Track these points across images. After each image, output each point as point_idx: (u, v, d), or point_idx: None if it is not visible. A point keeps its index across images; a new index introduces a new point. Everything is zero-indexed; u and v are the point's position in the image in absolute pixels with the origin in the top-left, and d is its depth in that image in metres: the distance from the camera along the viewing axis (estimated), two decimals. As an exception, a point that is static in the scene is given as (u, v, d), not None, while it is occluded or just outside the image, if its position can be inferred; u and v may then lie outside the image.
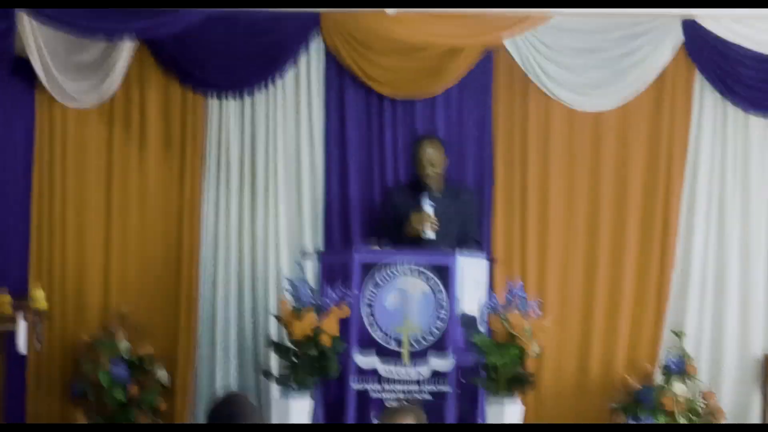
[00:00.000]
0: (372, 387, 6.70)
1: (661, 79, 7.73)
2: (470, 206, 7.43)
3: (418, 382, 6.69)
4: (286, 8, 7.49)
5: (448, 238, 7.17)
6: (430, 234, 7.09)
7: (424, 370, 6.70)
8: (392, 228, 7.24)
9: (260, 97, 7.79)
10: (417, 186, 7.31)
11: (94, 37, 7.43)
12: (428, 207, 7.11)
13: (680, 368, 7.38)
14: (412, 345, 6.71)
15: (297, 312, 6.65)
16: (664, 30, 7.64)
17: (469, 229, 7.34)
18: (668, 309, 7.69)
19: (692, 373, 7.41)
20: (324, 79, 7.80)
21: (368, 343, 6.72)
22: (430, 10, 7.46)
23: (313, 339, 6.61)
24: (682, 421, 7.21)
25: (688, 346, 7.55)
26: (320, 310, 6.64)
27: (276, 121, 7.79)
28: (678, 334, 7.54)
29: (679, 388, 7.29)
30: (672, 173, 7.73)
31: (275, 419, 6.87)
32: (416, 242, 7.09)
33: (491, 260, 7.20)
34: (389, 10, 7.51)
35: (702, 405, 7.34)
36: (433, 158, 7.29)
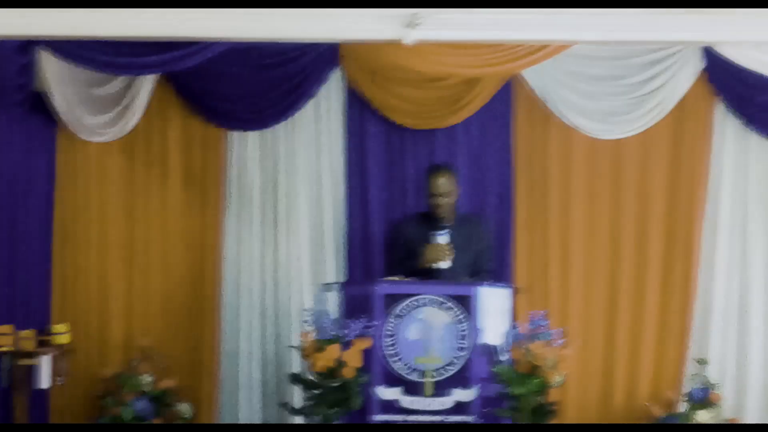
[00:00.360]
0: (394, 418, 6.68)
1: (681, 106, 7.72)
2: (483, 236, 7.38)
3: (440, 413, 6.67)
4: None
5: (461, 268, 7.13)
6: (445, 264, 7.07)
7: (446, 401, 6.68)
8: (403, 259, 7.20)
9: (280, 128, 7.80)
10: (427, 216, 7.28)
11: (114, 72, 7.46)
12: (443, 238, 7.09)
13: (704, 397, 7.35)
14: (434, 376, 6.69)
15: (319, 344, 6.64)
16: (684, 56, 7.62)
17: (482, 259, 7.30)
18: (691, 337, 7.67)
19: (716, 402, 7.37)
20: (344, 110, 7.82)
21: (390, 375, 6.70)
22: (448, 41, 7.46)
23: (335, 371, 6.59)
24: (707, 450, 7.19)
25: (712, 374, 7.52)
26: (342, 341, 6.63)
27: (296, 153, 7.82)
28: (701, 362, 7.51)
29: (703, 416, 7.27)
30: (693, 200, 7.72)
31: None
32: (429, 273, 7.05)
33: (515, 290, 7.14)
34: (406, 40, 7.50)
35: (726, 434, 7.32)
36: (444, 188, 7.24)
